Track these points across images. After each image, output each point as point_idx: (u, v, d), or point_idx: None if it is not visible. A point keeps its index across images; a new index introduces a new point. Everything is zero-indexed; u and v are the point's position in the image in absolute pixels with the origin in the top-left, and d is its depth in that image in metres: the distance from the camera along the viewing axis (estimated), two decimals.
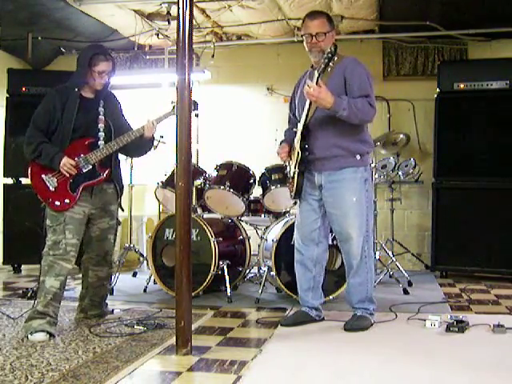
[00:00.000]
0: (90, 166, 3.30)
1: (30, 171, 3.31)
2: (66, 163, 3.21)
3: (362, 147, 3.26)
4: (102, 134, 3.38)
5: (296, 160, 3.27)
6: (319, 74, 3.05)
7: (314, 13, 3.37)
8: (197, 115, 4.53)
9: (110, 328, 3.26)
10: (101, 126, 3.39)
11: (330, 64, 3.02)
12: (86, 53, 3.36)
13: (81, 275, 3.57)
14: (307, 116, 3.20)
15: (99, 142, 3.36)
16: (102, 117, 3.40)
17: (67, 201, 3.25)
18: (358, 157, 3.24)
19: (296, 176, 3.30)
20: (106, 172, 3.37)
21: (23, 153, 3.31)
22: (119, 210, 3.58)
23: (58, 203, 3.24)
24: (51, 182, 3.26)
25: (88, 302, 3.52)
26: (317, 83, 3.04)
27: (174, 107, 3.53)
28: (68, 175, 3.25)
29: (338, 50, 3.06)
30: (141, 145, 3.53)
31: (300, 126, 3.25)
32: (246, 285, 4.70)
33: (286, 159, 3.42)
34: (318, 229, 3.36)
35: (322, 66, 3.03)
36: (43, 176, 3.26)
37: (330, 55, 3.00)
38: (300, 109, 3.31)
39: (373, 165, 4.48)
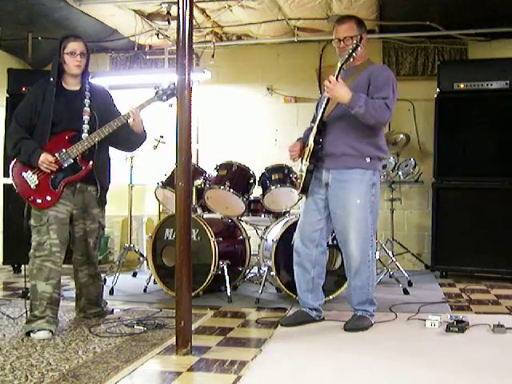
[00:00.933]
0: (71, 160, 3.20)
1: (11, 169, 3.23)
2: (45, 160, 3.13)
3: (373, 151, 3.24)
4: (86, 127, 3.27)
5: (308, 153, 3.27)
6: (341, 66, 3.08)
7: (344, 17, 3.39)
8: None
9: (110, 328, 3.26)
10: (85, 117, 3.28)
11: (354, 54, 3.03)
12: (57, 42, 3.28)
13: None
14: (324, 110, 3.21)
15: (83, 135, 3.25)
16: (87, 108, 3.30)
17: (49, 198, 3.17)
18: (368, 159, 3.22)
19: (305, 171, 3.29)
20: (89, 165, 3.25)
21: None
22: (105, 209, 3.47)
23: (39, 201, 3.17)
24: (32, 179, 3.18)
25: (85, 302, 3.51)
26: (337, 78, 3.06)
27: (156, 92, 3.41)
28: (49, 171, 3.17)
29: (370, 57, 3.13)
30: (130, 138, 3.43)
31: (317, 121, 3.26)
32: (245, 285, 4.70)
33: (295, 157, 3.40)
34: (320, 230, 3.35)
35: (346, 56, 3.04)
36: (23, 173, 3.19)
37: (354, 45, 3.02)
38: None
39: None
